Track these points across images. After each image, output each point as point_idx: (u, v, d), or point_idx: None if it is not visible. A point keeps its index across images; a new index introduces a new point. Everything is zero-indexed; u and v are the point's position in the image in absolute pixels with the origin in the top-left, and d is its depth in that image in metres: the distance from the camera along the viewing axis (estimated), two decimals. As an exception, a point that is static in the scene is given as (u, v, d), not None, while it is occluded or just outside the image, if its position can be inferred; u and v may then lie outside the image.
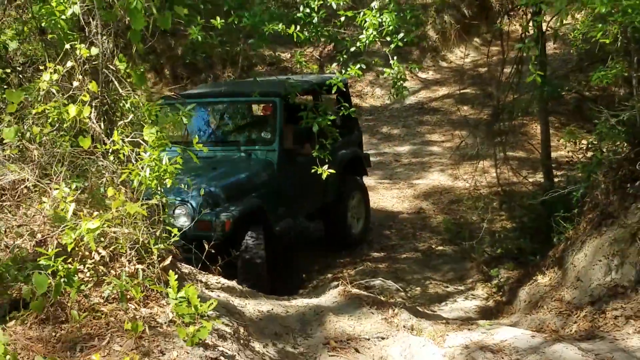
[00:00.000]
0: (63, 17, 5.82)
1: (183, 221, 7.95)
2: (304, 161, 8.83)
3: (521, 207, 9.41)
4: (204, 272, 7.03)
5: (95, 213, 4.70)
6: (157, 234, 4.98)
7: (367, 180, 13.72)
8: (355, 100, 18.95)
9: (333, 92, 8.53)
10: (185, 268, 6.77)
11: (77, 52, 5.84)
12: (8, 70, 6.55)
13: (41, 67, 6.04)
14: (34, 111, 5.86)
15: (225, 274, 7.36)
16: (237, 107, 10.18)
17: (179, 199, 8.04)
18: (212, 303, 4.66)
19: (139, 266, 4.74)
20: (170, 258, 5.03)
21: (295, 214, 9.54)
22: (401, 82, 7.65)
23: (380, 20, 7.49)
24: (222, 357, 4.84)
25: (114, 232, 4.75)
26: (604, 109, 6.99)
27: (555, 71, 13.58)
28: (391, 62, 7.87)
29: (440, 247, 10.74)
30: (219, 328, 5.38)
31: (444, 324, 6.58)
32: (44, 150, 5.76)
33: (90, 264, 4.64)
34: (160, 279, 4.83)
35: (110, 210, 4.74)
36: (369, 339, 6.34)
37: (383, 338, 6.36)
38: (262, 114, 10.55)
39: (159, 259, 4.93)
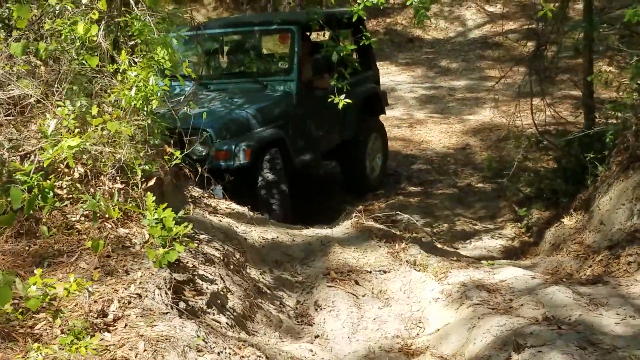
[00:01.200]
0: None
1: (201, 150, 7.84)
2: (323, 94, 8.47)
3: (557, 147, 9.10)
4: (215, 198, 7.05)
5: (77, 130, 4.70)
6: (141, 154, 4.95)
7: (417, 114, 13.59)
8: (417, 32, 18.64)
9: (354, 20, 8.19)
10: (195, 192, 6.80)
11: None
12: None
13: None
14: (45, 27, 5.88)
15: (248, 203, 7.38)
16: (254, 37, 9.95)
17: (195, 127, 7.95)
18: (188, 226, 4.64)
19: (117, 185, 4.74)
20: (154, 179, 5.01)
21: (315, 148, 9.32)
22: (423, 9, 7.34)
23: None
24: (198, 280, 4.85)
25: (95, 151, 4.75)
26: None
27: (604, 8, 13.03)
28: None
29: (479, 185, 10.56)
30: (207, 252, 5.40)
31: (449, 262, 6.45)
32: (51, 68, 5.79)
33: (68, 181, 4.65)
34: (142, 200, 4.82)
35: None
36: (370, 272, 6.28)
37: (385, 272, 6.29)
38: (279, 42, 10.31)
39: (142, 179, 4.91)
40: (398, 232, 7.26)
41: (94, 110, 4.79)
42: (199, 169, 6.83)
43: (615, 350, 4.55)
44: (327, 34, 8.51)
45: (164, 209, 4.59)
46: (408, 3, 7.47)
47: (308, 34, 9.63)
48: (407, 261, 6.41)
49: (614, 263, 6.20)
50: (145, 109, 4.98)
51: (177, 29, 7.32)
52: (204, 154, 7.83)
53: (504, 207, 9.50)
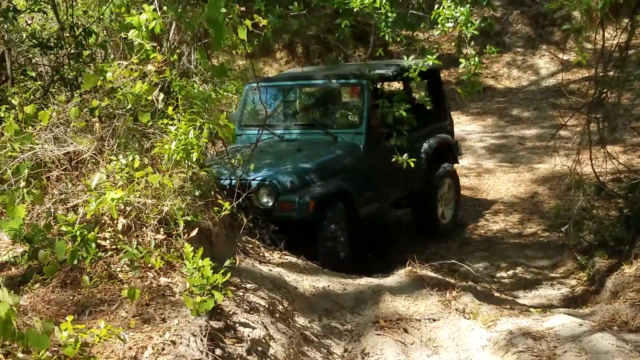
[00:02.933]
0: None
1: (266, 201, 8.08)
2: (391, 147, 8.53)
3: (619, 195, 8.98)
4: (269, 248, 7.19)
5: (120, 183, 4.92)
6: (183, 206, 5.13)
7: (486, 164, 13.56)
8: (489, 82, 18.63)
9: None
10: (249, 243, 6.96)
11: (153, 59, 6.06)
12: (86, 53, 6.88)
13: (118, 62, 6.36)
14: (100, 89, 6.17)
15: (308, 255, 7.53)
16: (324, 90, 10.15)
17: (261, 179, 8.16)
18: (227, 274, 4.77)
19: (159, 236, 4.93)
20: (196, 230, 5.18)
21: (382, 199, 9.42)
22: (474, 76, 7.41)
23: (455, 13, 7.31)
24: (239, 327, 4.96)
25: (139, 203, 4.96)
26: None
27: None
28: (467, 51, 7.64)
29: (545, 234, 10.44)
30: (253, 300, 5.51)
31: (499, 309, 6.42)
32: (105, 124, 6.07)
33: (111, 232, 4.86)
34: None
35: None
36: (419, 320, 6.30)
37: (434, 320, 6.30)
38: (349, 96, 10.50)
39: (185, 230, 5.09)
40: (452, 281, 7.27)
41: (136, 164, 5.00)
42: (261, 220, 7.06)
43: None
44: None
45: (202, 258, 4.74)
46: (460, 67, 7.57)
47: (380, 85, 9.78)
48: (456, 309, 6.41)
49: (669, 312, 6.08)
50: (187, 161, 5.16)
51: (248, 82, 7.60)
52: (269, 204, 8.02)
53: (567, 255, 9.37)
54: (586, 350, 5.21)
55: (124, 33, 6.17)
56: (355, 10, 7.60)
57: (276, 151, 9.02)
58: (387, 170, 9.00)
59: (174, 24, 6.38)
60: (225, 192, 6.68)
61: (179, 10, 5.72)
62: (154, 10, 5.48)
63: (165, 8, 5.58)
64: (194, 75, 6.41)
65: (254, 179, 8.01)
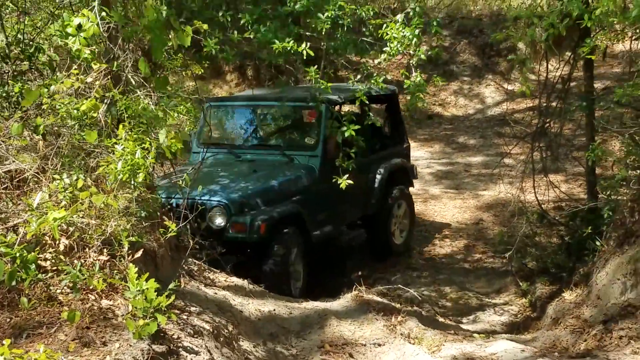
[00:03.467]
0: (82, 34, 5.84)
1: (219, 222, 8.09)
2: (346, 169, 8.56)
3: (560, 223, 9.16)
4: (214, 270, 7.13)
5: (63, 203, 4.83)
6: (128, 227, 5.06)
7: (432, 190, 13.66)
8: (437, 109, 18.83)
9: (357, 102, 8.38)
10: (194, 265, 6.90)
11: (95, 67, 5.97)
12: (26, 65, 6.77)
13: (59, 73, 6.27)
14: (44, 105, 6.06)
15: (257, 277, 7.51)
16: (282, 111, 10.21)
17: (216, 199, 8.17)
18: (170, 297, 4.71)
19: (102, 257, 4.85)
20: (141, 251, 5.11)
21: (336, 222, 9.47)
22: (420, 93, 7.54)
23: (403, 34, 7.41)
24: (182, 352, 4.89)
25: (82, 223, 4.88)
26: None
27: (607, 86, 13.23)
28: (414, 74, 7.77)
29: (489, 260, 10.55)
30: (197, 324, 5.44)
31: (444, 335, 6.46)
32: (49, 142, 5.96)
33: (52, 253, 4.77)
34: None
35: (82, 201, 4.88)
36: (365, 345, 6.30)
37: (379, 345, 6.31)
38: (307, 120, 10.56)
39: (129, 252, 5.02)
40: (397, 306, 7.29)
41: (80, 184, 4.93)
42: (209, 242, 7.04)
43: None
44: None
45: (147, 280, 4.67)
46: (405, 87, 7.68)
47: (337, 107, 9.84)
48: (402, 334, 6.43)
49: (607, 337, 6.18)
50: (133, 182, 5.10)
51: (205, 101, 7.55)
52: (222, 225, 8.04)
53: (510, 281, 9.47)
54: (528, 376, 5.27)
55: (61, 40, 6.07)
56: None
57: (232, 171, 9.05)
58: (342, 193, 8.97)
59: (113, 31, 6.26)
60: (173, 213, 6.64)
61: (121, 13, 5.64)
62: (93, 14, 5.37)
63: (104, 14, 5.46)
64: (139, 90, 6.31)
65: (208, 200, 8.04)
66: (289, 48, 7.59)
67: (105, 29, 5.82)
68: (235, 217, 8.07)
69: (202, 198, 7.80)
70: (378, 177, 10.16)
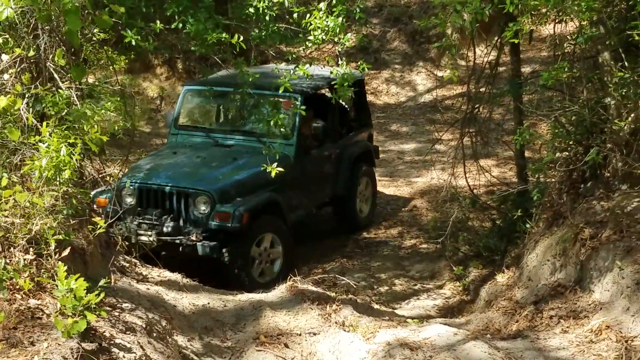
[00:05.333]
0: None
1: (203, 210, 8.42)
2: (317, 155, 9.63)
3: (492, 207, 9.32)
4: (147, 265, 7.09)
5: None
6: (54, 224, 4.98)
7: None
8: (369, 98, 18.84)
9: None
10: (125, 261, 6.84)
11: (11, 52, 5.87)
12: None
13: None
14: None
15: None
16: (260, 99, 10.18)
17: (200, 188, 8.51)
18: (100, 294, 4.65)
19: (28, 256, 4.77)
20: (69, 249, 5.04)
21: (308, 205, 9.92)
22: (346, 83, 7.55)
23: (326, 22, 7.39)
24: (114, 349, 4.85)
25: (6, 222, 4.79)
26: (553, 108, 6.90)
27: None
28: (339, 62, 7.80)
29: (424, 245, 10.63)
30: (129, 320, 5.40)
31: (378, 321, 6.51)
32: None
33: (-25, 253, 4.68)
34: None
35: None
36: (300, 335, 6.33)
37: (315, 334, 6.34)
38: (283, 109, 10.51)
39: (57, 250, 4.94)
40: (332, 294, 7.32)
41: (4, 182, 4.84)
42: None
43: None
44: None
45: (76, 279, 4.61)
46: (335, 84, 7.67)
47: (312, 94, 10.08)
48: (337, 322, 6.47)
49: (538, 317, 6.32)
50: (58, 179, 5.02)
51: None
52: (205, 212, 8.40)
53: (444, 266, 9.58)
54: (460, 358, 5.35)
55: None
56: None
57: (212, 157, 9.32)
58: (314, 177, 9.63)
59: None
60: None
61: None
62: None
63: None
64: (60, 80, 6.18)
65: (192, 188, 8.50)
66: (222, 39, 7.50)
67: (18, 12, 5.73)
68: (219, 206, 8.39)
69: (185, 185, 8.41)
70: (347, 160, 10.63)
